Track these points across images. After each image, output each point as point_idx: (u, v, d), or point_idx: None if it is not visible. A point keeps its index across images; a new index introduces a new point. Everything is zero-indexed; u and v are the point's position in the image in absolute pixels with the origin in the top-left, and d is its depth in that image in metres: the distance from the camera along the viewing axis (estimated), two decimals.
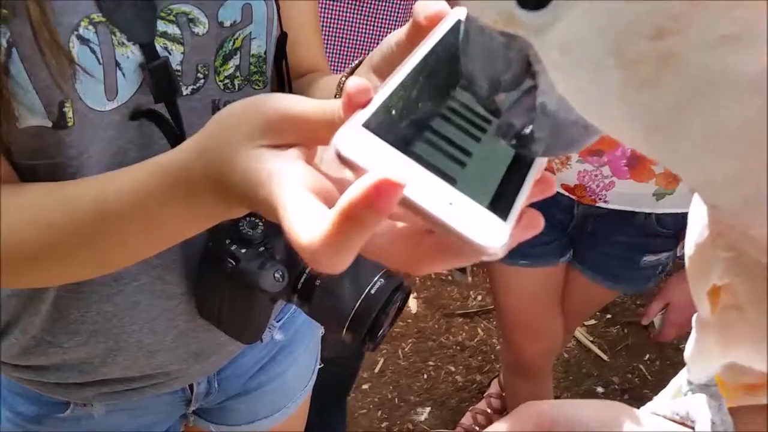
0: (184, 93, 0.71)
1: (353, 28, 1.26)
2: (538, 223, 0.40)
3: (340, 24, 1.28)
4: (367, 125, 0.38)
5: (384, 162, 0.37)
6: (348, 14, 1.28)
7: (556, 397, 2.26)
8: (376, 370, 2.40)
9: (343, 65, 1.31)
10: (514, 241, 0.38)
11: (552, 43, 0.34)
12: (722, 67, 0.28)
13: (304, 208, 0.40)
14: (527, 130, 0.39)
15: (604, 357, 2.46)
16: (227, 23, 0.71)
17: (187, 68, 0.71)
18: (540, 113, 0.38)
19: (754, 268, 0.40)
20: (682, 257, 1.48)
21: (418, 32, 0.52)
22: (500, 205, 0.39)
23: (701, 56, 0.29)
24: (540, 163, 0.43)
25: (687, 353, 0.52)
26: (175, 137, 0.69)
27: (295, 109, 0.44)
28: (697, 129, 0.30)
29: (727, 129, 0.29)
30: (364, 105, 0.39)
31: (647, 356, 2.46)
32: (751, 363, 0.48)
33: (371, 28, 1.30)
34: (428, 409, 2.28)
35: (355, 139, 0.38)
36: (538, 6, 0.33)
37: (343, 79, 0.69)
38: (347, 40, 1.29)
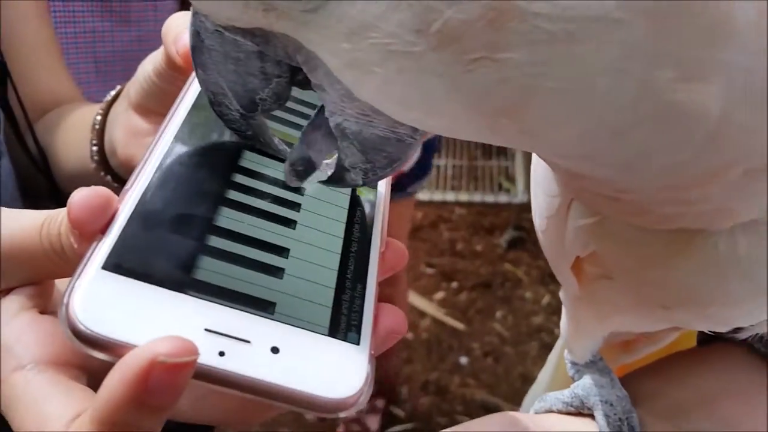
0: None
1: (104, 38, 1.00)
2: (401, 323, 0.29)
3: (87, 36, 0.99)
4: (111, 265, 0.25)
5: (155, 322, 0.24)
6: (95, 22, 0.99)
7: (426, 381, 2.25)
8: None
9: (100, 86, 1.04)
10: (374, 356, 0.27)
11: (334, 33, 0.24)
12: (574, 3, 0.21)
13: (40, 407, 0.25)
14: (337, 162, 0.30)
15: (460, 326, 2.50)
16: None
17: None
18: (341, 138, 0.29)
19: (619, 231, 0.35)
20: None
21: (176, 66, 0.41)
22: (346, 317, 0.27)
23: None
24: (379, 227, 0.32)
25: (563, 333, 0.47)
26: None
27: (3, 237, 0.29)
28: (553, 95, 0.23)
29: (592, 83, 0.23)
30: (103, 230, 0.26)
31: (498, 314, 2.54)
32: (630, 328, 0.44)
33: (128, 34, 1.02)
34: None
35: (97, 296, 0.24)
36: None
37: (98, 117, 0.56)
38: (99, 53, 1.01)
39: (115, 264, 0.25)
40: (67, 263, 0.27)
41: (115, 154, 0.53)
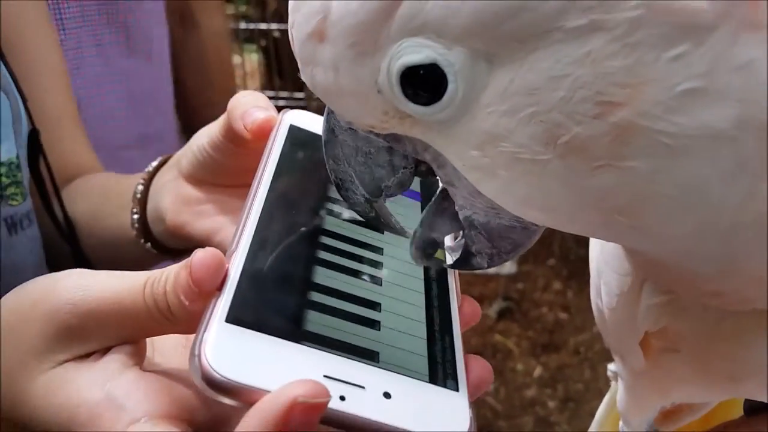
0: None
1: (134, 77, 1.00)
2: (489, 373, 0.31)
3: (119, 75, 0.99)
4: (233, 319, 0.27)
5: (281, 368, 0.25)
6: (123, 62, 0.99)
7: None
8: None
9: (132, 122, 1.01)
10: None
11: (464, 141, 0.27)
12: (694, 124, 0.24)
13: None
14: (464, 248, 0.32)
15: None
16: None
17: None
18: (468, 228, 0.31)
19: (689, 308, 0.38)
20: None
21: (241, 140, 0.43)
22: (442, 365, 0.29)
23: (666, 119, 0.24)
24: (453, 283, 0.35)
25: (620, 408, 0.49)
26: None
27: (100, 299, 0.30)
28: (670, 199, 0.26)
29: (706, 190, 0.26)
30: (219, 288, 0.28)
31: (491, 386, 2.52)
32: (690, 400, 0.46)
33: (152, 70, 1.03)
34: None
35: (225, 346, 0.26)
36: (431, 100, 0.27)
37: (140, 187, 0.58)
38: (133, 90, 1.00)
39: (237, 317, 0.27)
40: (171, 321, 0.29)
41: (161, 222, 0.54)
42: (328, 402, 0.24)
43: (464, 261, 0.33)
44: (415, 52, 0.26)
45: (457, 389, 0.29)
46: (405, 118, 0.28)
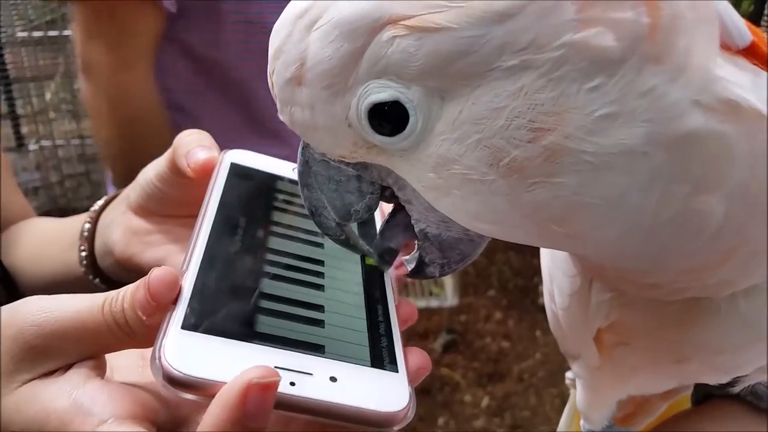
0: None
1: None
2: (427, 362, 0.35)
3: None
4: (188, 326, 0.30)
5: (234, 363, 0.28)
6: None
7: None
8: None
9: None
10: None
11: (422, 165, 0.31)
12: (611, 142, 0.28)
13: None
14: (418, 259, 0.36)
15: None
16: None
17: None
18: (422, 240, 0.36)
19: (635, 302, 0.42)
20: None
21: (180, 173, 0.46)
22: (383, 354, 0.33)
23: (588, 140, 0.28)
24: (391, 287, 0.39)
25: (580, 407, 0.52)
26: None
27: (62, 318, 0.32)
28: (596, 208, 0.30)
29: (626, 198, 0.30)
30: (174, 301, 0.31)
31: (440, 420, 2.54)
32: (644, 390, 0.50)
33: None
34: None
35: (183, 348, 0.29)
36: (394, 131, 0.31)
37: (87, 225, 0.59)
38: None
39: (192, 324, 0.30)
40: (129, 335, 0.32)
41: (110, 255, 0.55)
42: (278, 381, 0.27)
43: (419, 270, 0.37)
44: (380, 91, 0.30)
45: (397, 371, 0.32)
46: (372, 148, 0.32)
